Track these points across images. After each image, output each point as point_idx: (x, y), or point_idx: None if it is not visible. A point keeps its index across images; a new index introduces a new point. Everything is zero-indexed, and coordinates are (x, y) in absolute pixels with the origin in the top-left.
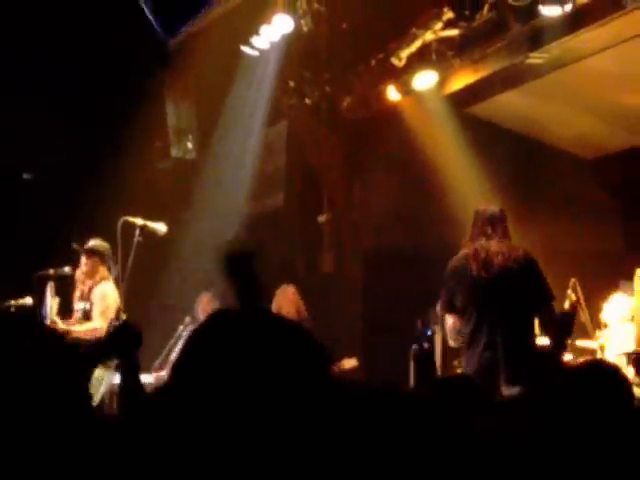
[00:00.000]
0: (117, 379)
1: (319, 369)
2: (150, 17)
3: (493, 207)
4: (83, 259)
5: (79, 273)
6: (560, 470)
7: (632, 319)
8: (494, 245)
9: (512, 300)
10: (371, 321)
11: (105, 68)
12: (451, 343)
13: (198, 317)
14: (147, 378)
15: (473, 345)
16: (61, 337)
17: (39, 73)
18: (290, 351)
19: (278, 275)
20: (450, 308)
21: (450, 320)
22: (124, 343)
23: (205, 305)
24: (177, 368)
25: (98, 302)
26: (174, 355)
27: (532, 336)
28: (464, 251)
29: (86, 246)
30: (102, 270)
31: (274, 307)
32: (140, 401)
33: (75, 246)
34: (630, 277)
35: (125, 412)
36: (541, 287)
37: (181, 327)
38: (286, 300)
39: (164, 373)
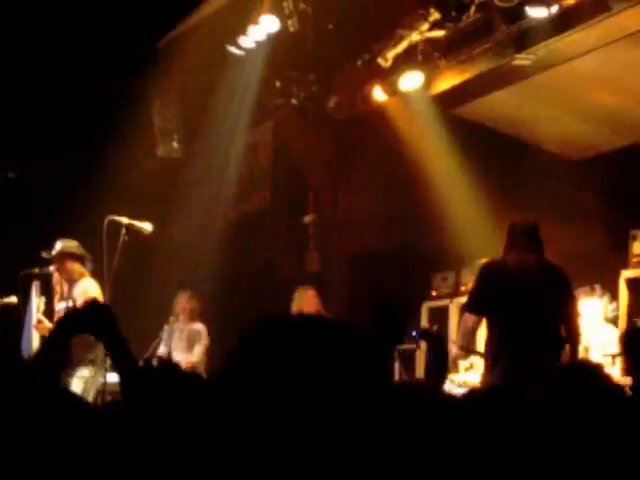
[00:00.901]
0: (108, 379)
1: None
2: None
3: (528, 219)
4: (55, 265)
5: (56, 277)
6: (544, 470)
7: (609, 320)
8: (533, 259)
9: (543, 315)
10: (357, 320)
11: (92, 68)
12: (458, 344)
13: (179, 317)
14: None
15: (498, 354)
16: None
17: (24, 72)
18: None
19: (264, 275)
20: (477, 309)
21: (471, 321)
22: (96, 320)
23: (184, 303)
24: (230, 372)
25: (80, 296)
26: (159, 353)
27: (559, 350)
28: (502, 259)
29: (54, 251)
30: (77, 267)
31: (294, 310)
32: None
33: (45, 254)
34: (614, 278)
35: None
36: (569, 305)
37: (165, 326)
38: (307, 303)
39: None
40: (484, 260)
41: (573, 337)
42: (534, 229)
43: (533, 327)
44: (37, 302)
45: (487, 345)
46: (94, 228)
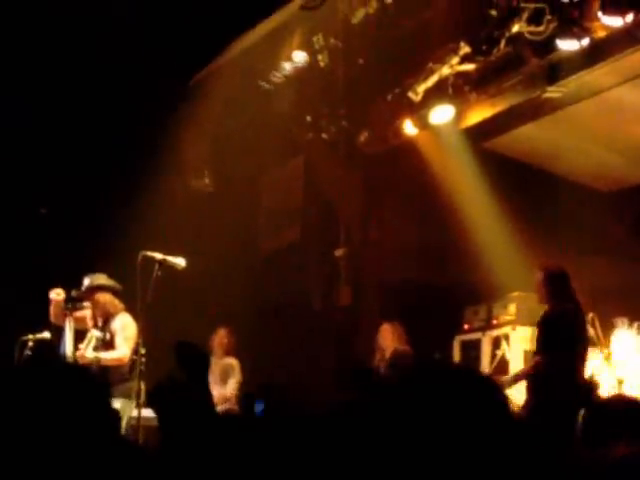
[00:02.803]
0: (143, 413)
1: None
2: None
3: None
4: (88, 301)
5: (90, 313)
6: None
7: None
8: (580, 307)
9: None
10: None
11: (124, 103)
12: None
13: (215, 351)
14: None
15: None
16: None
17: (57, 108)
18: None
19: (295, 309)
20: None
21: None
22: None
23: (221, 339)
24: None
25: (120, 331)
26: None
27: None
28: (570, 306)
29: (83, 287)
30: (110, 299)
31: (378, 346)
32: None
33: (74, 293)
34: None
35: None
36: None
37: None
38: (382, 337)
39: None
40: (516, 294)
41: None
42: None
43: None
44: (89, 336)
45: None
46: (127, 263)
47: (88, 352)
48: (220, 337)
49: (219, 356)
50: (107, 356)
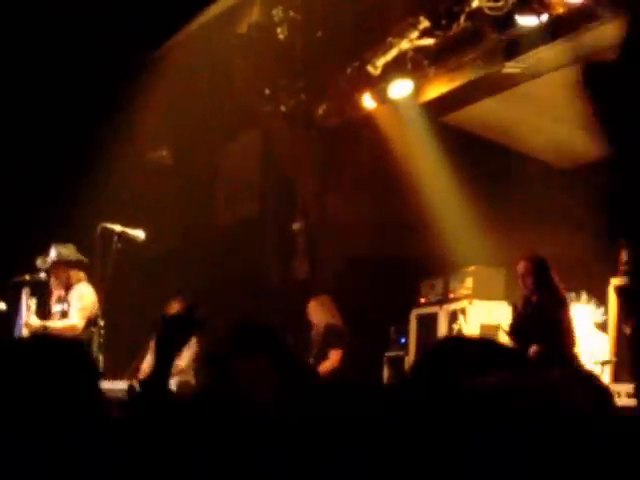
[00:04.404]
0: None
1: None
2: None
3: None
4: (50, 272)
5: (52, 281)
6: None
7: (598, 326)
8: None
9: None
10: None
11: (83, 73)
12: None
13: None
14: (119, 385)
15: None
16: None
17: (14, 77)
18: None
19: (252, 282)
20: None
21: None
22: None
23: (176, 310)
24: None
25: (76, 302)
26: (146, 362)
27: None
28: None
29: (48, 258)
30: (73, 273)
31: (311, 323)
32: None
33: (39, 262)
34: (603, 285)
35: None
36: None
37: (154, 334)
38: (312, 315)
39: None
40: (473, 268)
41: None
42: None
43: None
44: (29, 303)
45: None
46: (85, 234)
47: (32, 319)
48: (174, 309)
49: None
50: (55, 325)
